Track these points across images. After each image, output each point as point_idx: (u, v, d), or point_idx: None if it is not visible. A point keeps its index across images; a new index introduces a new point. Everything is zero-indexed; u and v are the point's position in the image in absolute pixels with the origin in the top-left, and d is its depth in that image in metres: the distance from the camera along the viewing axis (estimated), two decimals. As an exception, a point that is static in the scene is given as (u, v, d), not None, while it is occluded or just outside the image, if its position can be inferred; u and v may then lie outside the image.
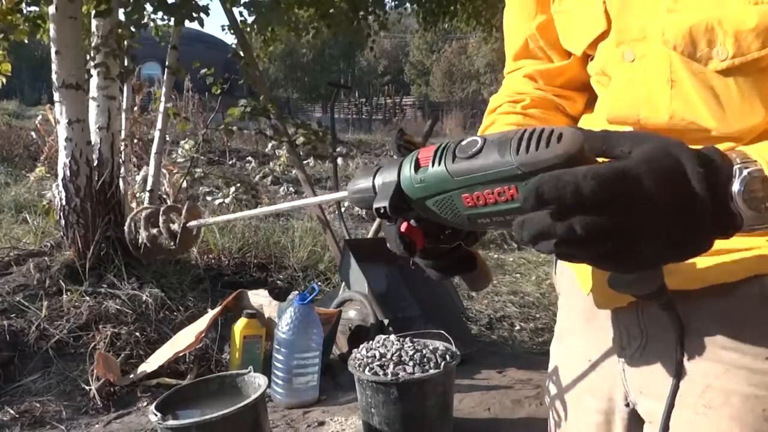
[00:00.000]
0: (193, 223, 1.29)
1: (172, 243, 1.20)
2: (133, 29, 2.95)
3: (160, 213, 1.24)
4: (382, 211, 0.55)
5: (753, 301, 0.57)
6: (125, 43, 2.98)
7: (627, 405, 0.69)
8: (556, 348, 0.86)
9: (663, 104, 0.60)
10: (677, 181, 0.44)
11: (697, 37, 0.56)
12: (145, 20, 3.22)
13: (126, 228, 1.36)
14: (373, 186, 0.58)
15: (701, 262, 0.57)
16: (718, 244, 0.47)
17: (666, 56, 0.59)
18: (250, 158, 8.37)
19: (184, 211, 1.30)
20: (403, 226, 0.58)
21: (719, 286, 0.58)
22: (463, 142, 0.52)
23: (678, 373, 0.57)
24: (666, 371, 0.62)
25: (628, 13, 0.62)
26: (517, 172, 0.47)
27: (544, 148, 0.46)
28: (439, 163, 0.52)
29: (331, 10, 3.76)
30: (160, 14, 3.34)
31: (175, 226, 1.25)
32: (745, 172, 0.45)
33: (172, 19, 3.08)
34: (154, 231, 1.24)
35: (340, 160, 3.10)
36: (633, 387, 0.68)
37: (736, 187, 0.45)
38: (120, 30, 2.93)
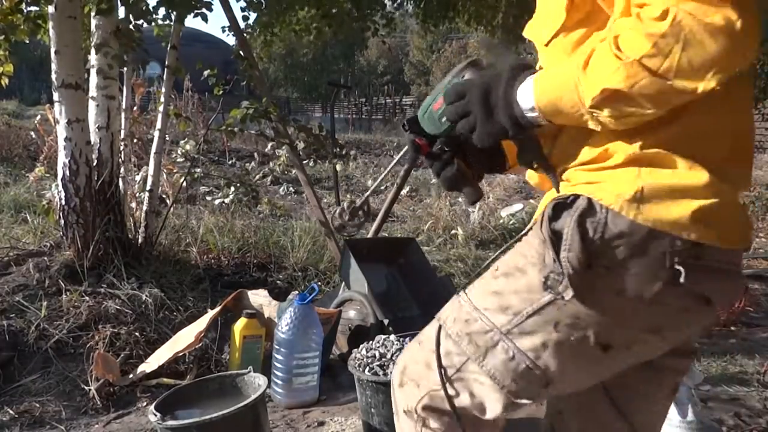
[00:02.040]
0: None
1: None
2: (138, 22, 2.94)
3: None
4: (403, 125, 0.99)
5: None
6: (134, 37, 2.96)
7: None
8: None
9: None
10: (488, 86, 0.84)
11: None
12: (150, 16, 3.21)
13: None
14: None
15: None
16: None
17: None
18: (249, 158, 8.37)
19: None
20: (417, 139, 0.97)
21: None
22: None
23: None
24: None
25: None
26: (448, 86, 0.90)
27: (455, 73, 0.91)
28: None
29: (333, 11, 3.75)
30: (161, 13, 3.34)
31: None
32: (523, 83, 0.81)
33: (173, 14, 3.07)
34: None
35: (339, 165, 3.09)
36: None
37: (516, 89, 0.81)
38: (121, 27, 2.92)
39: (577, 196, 0.81)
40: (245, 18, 3.61)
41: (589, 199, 0.80)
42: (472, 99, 0.84)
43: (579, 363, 0.85)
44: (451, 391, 0.90)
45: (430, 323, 0.96)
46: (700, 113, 0.77)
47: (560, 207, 0.81)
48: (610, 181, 0.79)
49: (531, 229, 0.87)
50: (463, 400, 0.90)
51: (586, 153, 0.83)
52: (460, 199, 5.78)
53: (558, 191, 0.85)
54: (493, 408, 0.90)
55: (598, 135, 0.81)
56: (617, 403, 0.95)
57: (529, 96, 0.80)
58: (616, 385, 0.94)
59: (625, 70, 0.71)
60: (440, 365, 0.90)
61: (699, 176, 0.77)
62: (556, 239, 0.80)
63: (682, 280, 0.77)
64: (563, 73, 0.78)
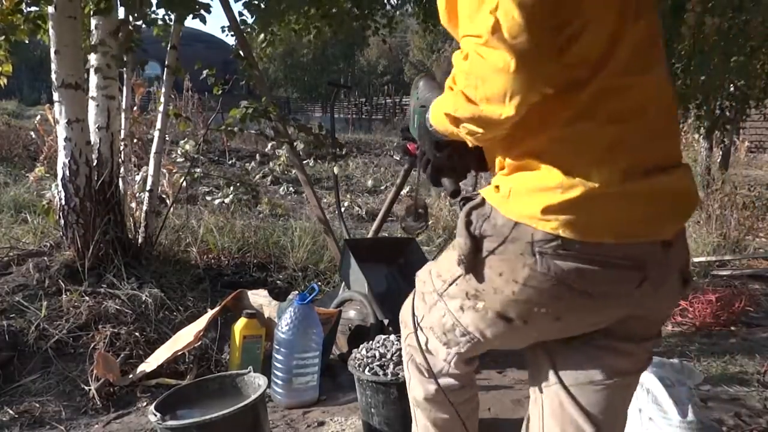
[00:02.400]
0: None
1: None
2: (137, 23, 2.94)
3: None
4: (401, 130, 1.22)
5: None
6: (134, 37, 2.96)
7: None
8: None
9: None
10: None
11: None
12: (150, 17, 3.21)
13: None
14: None
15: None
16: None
17: None
18: (249, 158, 8.37)
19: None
20: (408, 144, 1.21)
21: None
22: None
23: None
24: None
25: None
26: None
27: (414, 84, 1.18)
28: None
29: (333, 10, 3.74)
30: (161, 13, 3.34)
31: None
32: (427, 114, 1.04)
33: (173, 15, 3.07)
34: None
35: (337, 169, 3.08)
36: None
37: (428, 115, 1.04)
38: (122, 27, 2.92)
39: (481, 196, 1.01)
40: (243, 22, 3.58)
41: (483, 198, 1.00)
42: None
43: (493, 329, 1.04)
44: (420, 335, 1.18)
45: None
46: (558, 126, 0.91)
47: (469, 203, 1.03)
48: (498, 184, 0.98)
49: None
50: (426, 343, 1.16)
51: (495, 163, 1.02)
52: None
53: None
54: (439, 352, 1.15)
55: (494, 149, 1.02)
56: (567, 387, 1.06)
57: (431, 119, 1.03)
58: (565, 365, 1.07)
59: (453, 98, 0.90)
60: (413, 314, 1.20)
61: (554, 177, 0.90)
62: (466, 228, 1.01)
63: (538, 267, 0.92)
64: (440, 98, 0.99)
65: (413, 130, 1.14)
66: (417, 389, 1.23)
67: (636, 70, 0.91)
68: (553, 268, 0.91)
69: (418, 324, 1.18)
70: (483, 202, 1.00)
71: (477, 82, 0.85)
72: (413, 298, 1.22)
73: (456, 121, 0.92)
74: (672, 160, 0.96)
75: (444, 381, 1.17)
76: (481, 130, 0.90)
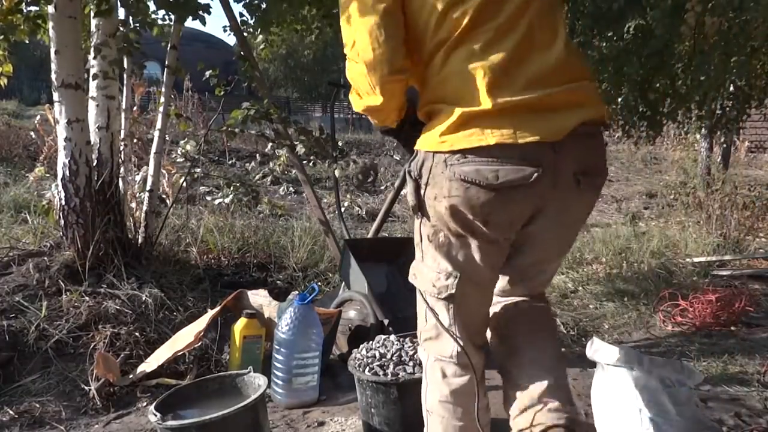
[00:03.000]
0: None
1: None
2: (137, 25, 2.94)
3: None
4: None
5: None
6: (132, 39, 2.96)
7: None
8: None
9: None
10: None
11: None
12: (150, 19, 3.21)
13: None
14: None
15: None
16: None
17: None
18: (249, 158, 8.37)
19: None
20: None
21: None
22: None
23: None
24: None
25: None
26: None
27: None
28: None
29: (334, 10, 3.73)
30: (161, 13, 3.33)
31: None
32: None
33: (173, 16, 3.07)
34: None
35: (338, 172, 3.08)
36: None
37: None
38: (122, 29, 2.92)
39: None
40: (244, 22, 3.57)
41: (416, 150, 1.35)
42: None
43: (459, 252, 1.32)
44: (429, 317, 1.41)
45: None
46: (434, 84, 1.31)
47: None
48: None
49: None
50: (436, 316, 1.38)
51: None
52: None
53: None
54: (433, 303, 1.39)
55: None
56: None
57: None
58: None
59: (354, 97, 1.39)
60: (423, 300, 1.43)
61: (444, 114, 1.26)
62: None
63: (453, 177, 1.23)
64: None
65: None
66: (435, 386, 1.40)
67: (482, 22, 1.24)
68: (460, 174, 1.22)
69: (427, 307, 1.40)
70: (416, 153, 1.34)
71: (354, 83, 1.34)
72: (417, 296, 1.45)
73: (366, 113, 1.39)
74: (548, 80, 1.23)
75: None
76: (374, 119, 1.43)
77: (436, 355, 1.40)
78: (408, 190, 1.33)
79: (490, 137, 1.19)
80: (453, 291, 1.33)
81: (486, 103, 1.20)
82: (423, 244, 1.37)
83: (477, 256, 1.32)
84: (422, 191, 1.30)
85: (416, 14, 1.28)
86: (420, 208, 1.33)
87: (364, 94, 1.32)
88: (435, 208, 1.29)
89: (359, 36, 1.26)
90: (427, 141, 1.28)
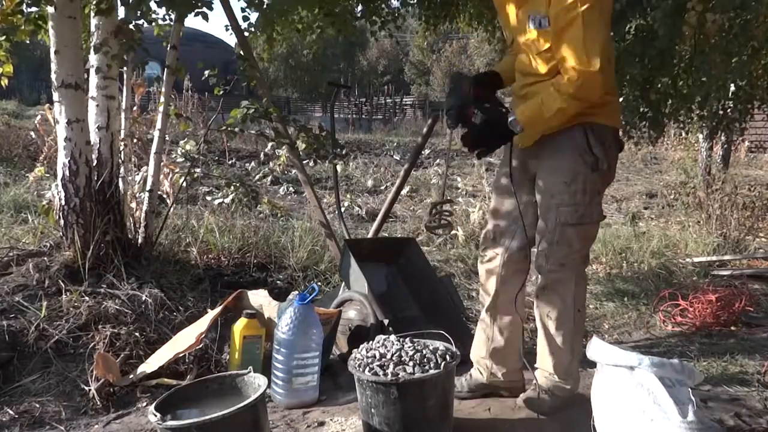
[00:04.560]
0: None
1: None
2: (138, 22, 2.93)
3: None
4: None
5: None
6: (135, 36, 2.95)
7: None
8: None
9: None
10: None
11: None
12: (151, 15, 3.19)
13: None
14: None
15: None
16: None
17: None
18: (249, 158, 8.37)
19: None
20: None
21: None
22: None
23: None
24: None
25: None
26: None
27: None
28: None
29: (336, 9, 3.72)
30: (161, 12, 3.33)
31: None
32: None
33: (174, 14, 3.06)
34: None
35: (339, 166, 3.09)
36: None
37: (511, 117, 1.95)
38: (124, 26, 2.91)
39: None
40: (245, 18, 3.57)
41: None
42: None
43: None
44: None
45: None
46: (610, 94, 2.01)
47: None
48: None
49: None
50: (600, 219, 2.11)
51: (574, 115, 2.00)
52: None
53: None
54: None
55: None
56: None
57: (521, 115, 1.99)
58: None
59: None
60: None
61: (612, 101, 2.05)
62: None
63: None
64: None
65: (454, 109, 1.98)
66: (584, 289, 2.15)
67: None
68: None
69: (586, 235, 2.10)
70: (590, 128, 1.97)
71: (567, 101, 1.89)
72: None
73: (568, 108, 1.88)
74: None
75: None
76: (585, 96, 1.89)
77: (585, 269, 2.10)
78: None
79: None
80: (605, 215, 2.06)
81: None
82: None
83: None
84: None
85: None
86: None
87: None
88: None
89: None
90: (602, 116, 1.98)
